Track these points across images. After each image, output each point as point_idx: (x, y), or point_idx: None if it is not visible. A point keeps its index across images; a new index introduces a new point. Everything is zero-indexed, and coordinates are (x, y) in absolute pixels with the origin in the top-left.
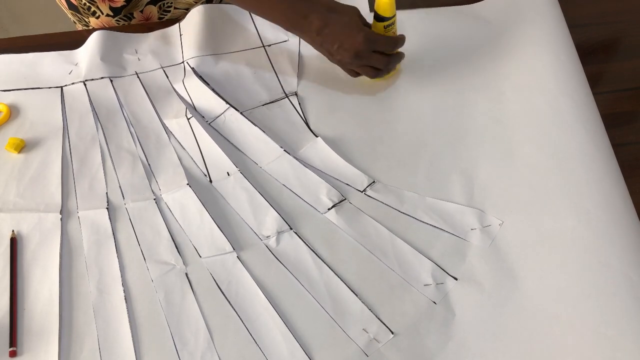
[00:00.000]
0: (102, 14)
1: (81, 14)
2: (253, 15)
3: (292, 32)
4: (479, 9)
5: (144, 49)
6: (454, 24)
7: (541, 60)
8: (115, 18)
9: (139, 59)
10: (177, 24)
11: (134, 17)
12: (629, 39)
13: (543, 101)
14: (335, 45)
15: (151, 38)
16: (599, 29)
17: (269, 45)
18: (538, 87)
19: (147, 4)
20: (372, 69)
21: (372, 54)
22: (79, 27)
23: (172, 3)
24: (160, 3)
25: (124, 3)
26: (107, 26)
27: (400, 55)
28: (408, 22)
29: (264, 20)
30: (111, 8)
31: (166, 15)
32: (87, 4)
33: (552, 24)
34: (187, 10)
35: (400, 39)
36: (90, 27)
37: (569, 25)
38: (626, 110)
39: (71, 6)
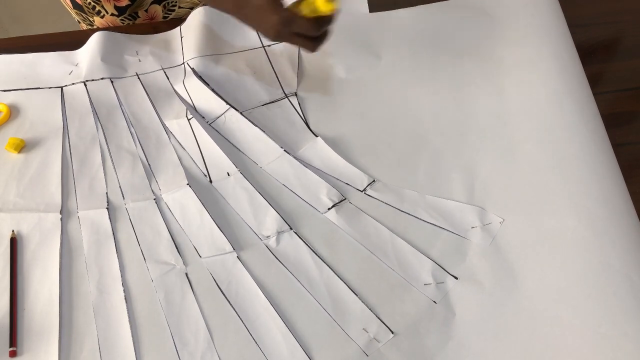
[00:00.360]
0: (107, 13)
1: (86, 14)
2: None
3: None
4: (479, 3)
5: (145, 51)
6: (453, 20)
7: (543, 56)
8: (120, 17)
9: (139, 60)
10: (178, 27)
11: (139, 17)
12: (629, 39)
13: (544, 98)
14: (254, 26)
15: (152, 40)
16: (599, 29)
17: (269, 46)
18: (539, 83)
19: (152, 3)
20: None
21: (293, 35)
22: (83, 26)
23: (176, 2)
24: (164, 2)
25: (129, 2)
26: (111, 25)
27: (328, 33)
28: (407, 20)
29: None
30: (116, 7)
31: (171, 14)
32: (92, 3)
33: (552, 22)
34: (192, 9)
35: (326, 21)
36: (95, 27)
37: (568, 25)
38: (626, 110)
39: (76, 5)
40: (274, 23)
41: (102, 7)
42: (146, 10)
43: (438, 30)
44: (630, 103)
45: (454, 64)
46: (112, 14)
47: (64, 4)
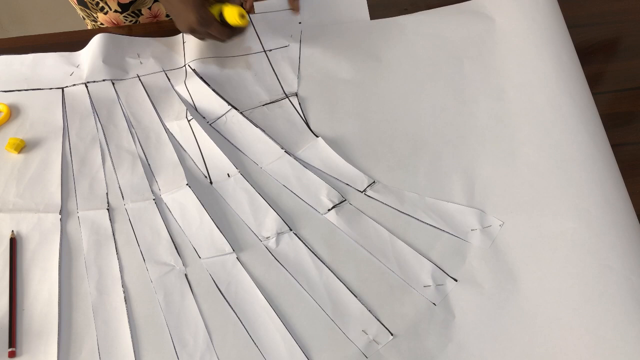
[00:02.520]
0: (110, 9)
1: (90, 10)
2: (254, 21)
3: None
4: (479, 6)
5: (147, 53)
6: (453, 23)
7: (542, 58)
8: (123, 14)
9: (141, 63)
10: (181, 34)
11: (142, 14)
12: (629, 39)
13: (544, 100)
14: (173, 16)
15: (154, 43)
16: (599, 29)
17: (270, 50)
18: (539, 85)
19: (155, 0)
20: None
21: (208, 34)
22: (88, 22)
23: None
24: None
25: None
26: (115, 22)
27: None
28: (408, 26)
29: (265, 25)
30: (119, 4)
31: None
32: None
33: (552, 24)
34: None
35: (236, 32)
36: (99, 23)
37: (568, 25)
38: (626, 110)
39: (80, 1)
40: (192, 20)
41: (106, 3)
42: (149, 8)
43: (438, 34)
44: (630, 103)
45: (453, 67)
46: (116, 11)
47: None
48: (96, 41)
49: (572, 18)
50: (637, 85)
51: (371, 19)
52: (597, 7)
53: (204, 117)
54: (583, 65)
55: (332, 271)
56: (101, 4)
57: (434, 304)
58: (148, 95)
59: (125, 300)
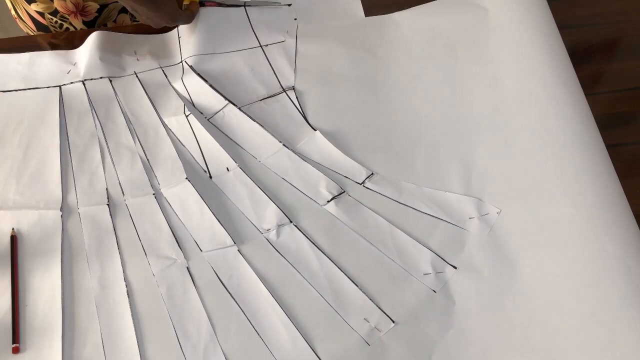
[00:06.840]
0: (76, 29)
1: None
2: (250, 17)
3: None
4: None
5: (143, 50)
6: (447, 16)
7: (535, 45)
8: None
9: (137, 60)
10: (176, 29)
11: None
12: (629, 39)
13: (539, 87)
14: (152, 10)
15: (150, 40)
16: (599, 29)
17: (266, 45)
18: (534, 72)
19: (119, 12)
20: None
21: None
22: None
23: None
24: None
25: (96, 14)
26: None
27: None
28: (403, 21)
29: (261, 21)
30: (84, 22)
31: (139, 21)
32: (59, 21)
33: (542, 11)
34: None
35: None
36: None
37: (568, 25)
38: (626, 110)
39: (40, 27)
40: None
41: (70, 23)
42: (114, 21)
43: (432, 26)
44: (629, 103)
45: (448, 58)
46: (82, 29)
47: (22, 28)
48: (92, 39)
49: (572, 18)
50: (637, 85)
51: (366, 15)
52: (597, 7)
53: (201, 113)
54: (583, 65)
55: (332, 261)
56: (65, 25)
57: (434, 291)
58: (146, 92)
59: (127, 295)
